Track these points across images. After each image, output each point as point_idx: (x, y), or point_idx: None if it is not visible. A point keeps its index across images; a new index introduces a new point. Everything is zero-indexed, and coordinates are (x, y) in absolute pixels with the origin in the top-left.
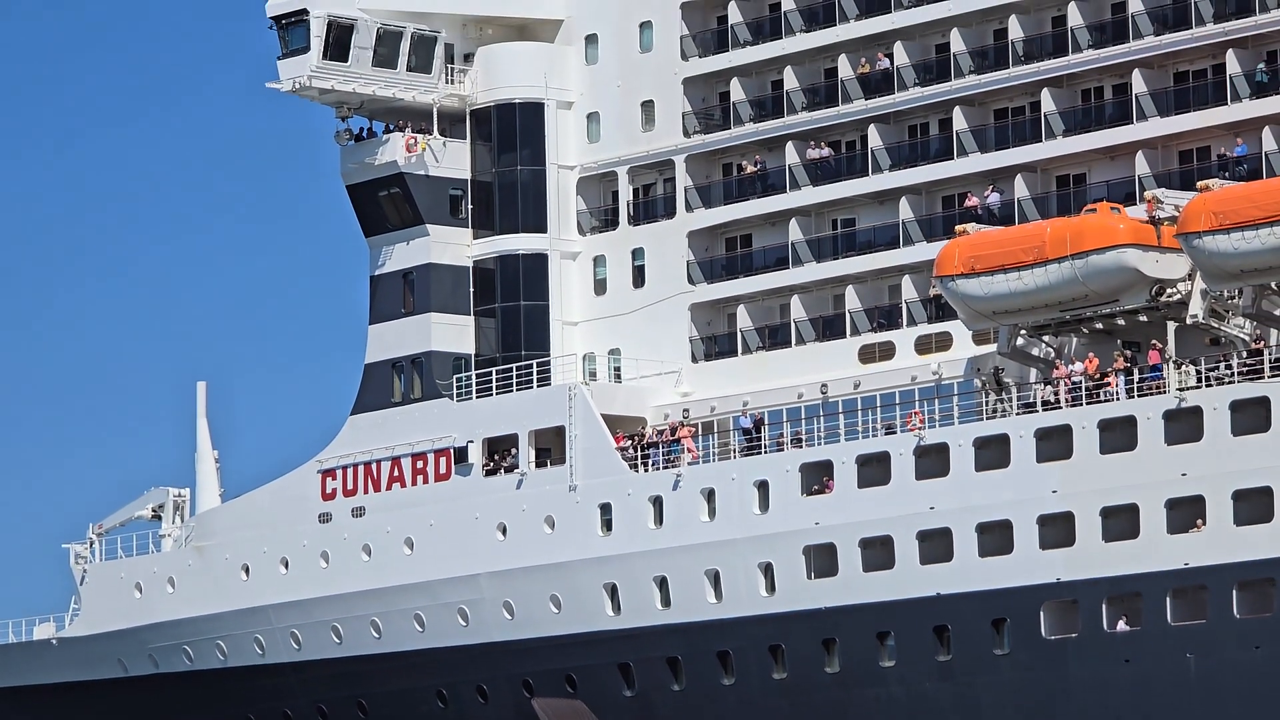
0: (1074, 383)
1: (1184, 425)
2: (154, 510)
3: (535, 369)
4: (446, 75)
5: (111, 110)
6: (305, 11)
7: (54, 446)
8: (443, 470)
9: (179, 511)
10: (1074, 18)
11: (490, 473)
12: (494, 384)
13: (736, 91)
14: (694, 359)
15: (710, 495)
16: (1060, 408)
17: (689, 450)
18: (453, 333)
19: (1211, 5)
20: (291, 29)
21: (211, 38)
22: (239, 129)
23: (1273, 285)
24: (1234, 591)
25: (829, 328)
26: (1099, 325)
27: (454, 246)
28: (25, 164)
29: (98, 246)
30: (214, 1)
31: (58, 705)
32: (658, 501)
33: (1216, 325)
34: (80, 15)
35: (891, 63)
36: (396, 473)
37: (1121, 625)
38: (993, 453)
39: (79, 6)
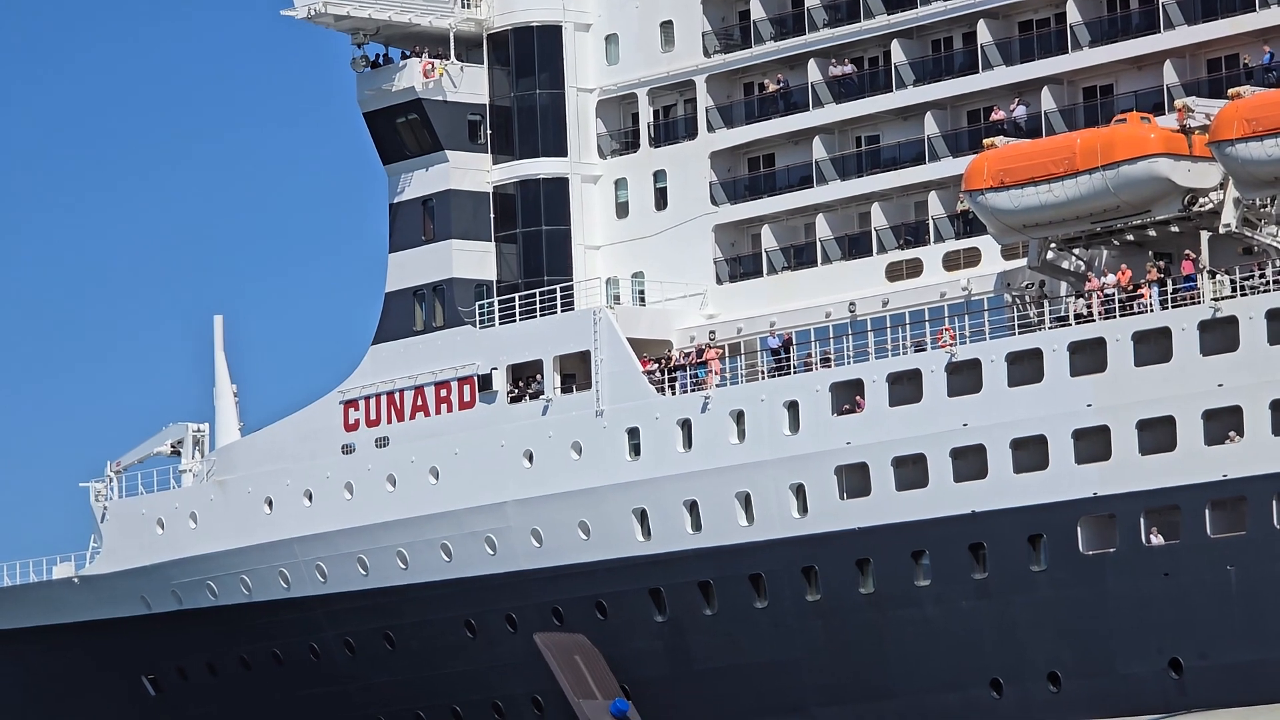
0: (1107, 295)
1: (1219, 335)
2: (173, 446)
3: (559, 294)
4: None
5: (126, 40)
6: None
7: (70, 384)
8: (467, 398)
9: (198, 447)
10: None
11: (515, 400)
12: (517, 310)
13: (757, 9)
14: (719, 280)
15: (739, 417)
16: (1093, 320)
17: (716, 372)
18: (474, 259)
19: None
20: None
21: None
22: (254, 57)
23: None
24: (1274, 502)
25: (855, 246)
26: (1130, 237)
27: (473, 172)
28: (40, 96)
29: (113, 180)
30: None
31: (81, 643)
32: (686, 425)
33: (1250, 234)
34: None
35: None
36: (420, 402)
37: (1156, 539)
38: (1026, 367)
39: None
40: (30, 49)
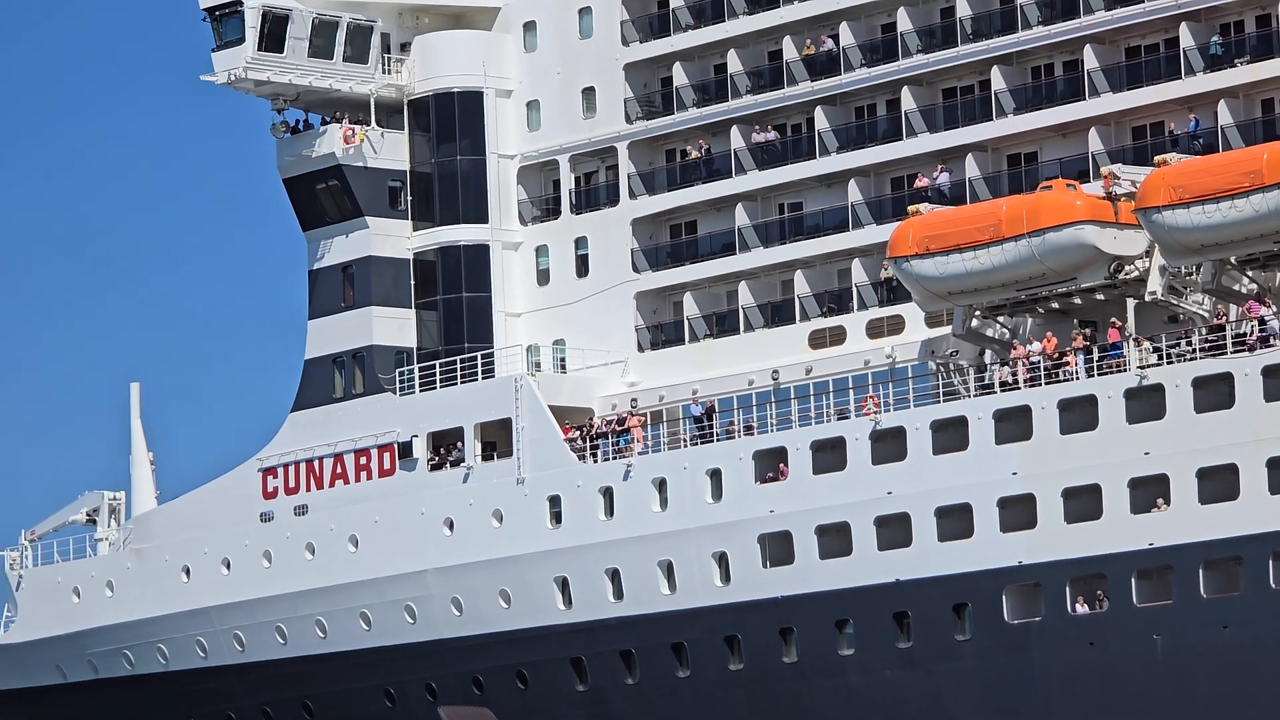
0: (1032, 363)
1: (1146, 403)
2: (88, 514)
3: (479, 361)
4: (383, 65)
5: (39, 104)
6: (240, 2)
7: None
8: (387, 466)
9: (114, 515)
10: None
11: (435, 467)
12: (438, 377)
13: (679, 76)
14: (640, 348)
15: (662, 485)
16: (1019, 388)
17: (639, 440)
18: (394, 326)
19: None
20: (226, 20)
21: (143, 30)
22: (172, 123)
23: (1232, 260)
24: (1200, 571)
25: (778, 313)
26: (1055, 304)
27: (394, 239)
28: None
29: (28, 244)
30: None
31: None
32: (608, 492)
33: (1175, 302)
34: (8, 7)
35: (837, 43)
36: (339, 469)
37: (1081, 608)
38: (950, 435)
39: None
40: None
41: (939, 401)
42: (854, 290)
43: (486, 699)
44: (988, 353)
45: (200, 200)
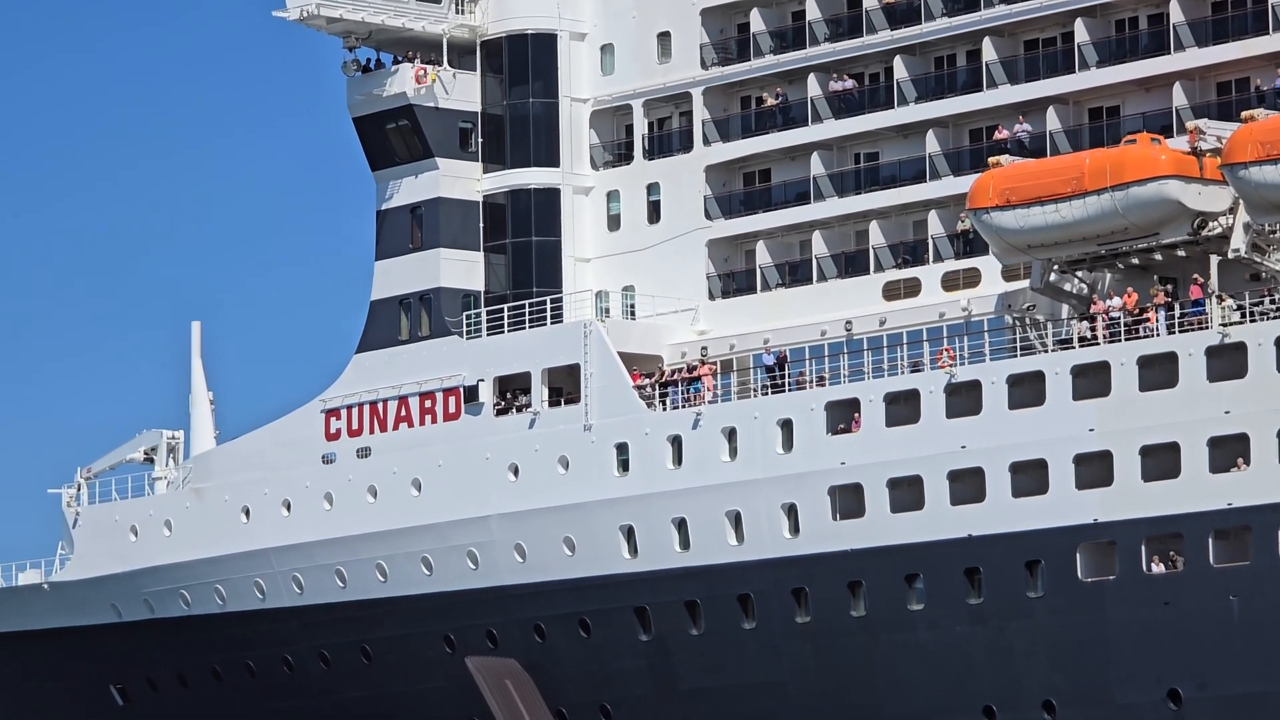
0: (1112, 318)
1: (1227, 361)
2: (146, 453)
3: (548, 306)
4: (457, 5)
5: (112, 37)
6: None
7: (41, 389)
8: (452, 410)
9: (172, 454)
10: None
11: (501, 412)
12: (505, 321)
13: (756, 22)
14: (711, 296)
15: (731, 434)
16: (1098, 344)
17: (710, 388)
18: (462, 269)
19: None
20: None
21: None
22: (243, 58)
23: None
24: (1278, 532)
25: (851, 264)
26: (1135, 260)
27: (464, 180)
28: (19, 93)
29: (90, 180)
30: None
31: (49, 651)
32: (677, 441)
33: (1259, 260)
34: None
35: None
36: (404, 412)
37: (1157, 567)
38: (1027, 390)
39: None
40: (9, 46)
41: (1015, 356)
42: (930, 242)
43: (548, 647)
44: (1060, 307)
45: (269, 138)
